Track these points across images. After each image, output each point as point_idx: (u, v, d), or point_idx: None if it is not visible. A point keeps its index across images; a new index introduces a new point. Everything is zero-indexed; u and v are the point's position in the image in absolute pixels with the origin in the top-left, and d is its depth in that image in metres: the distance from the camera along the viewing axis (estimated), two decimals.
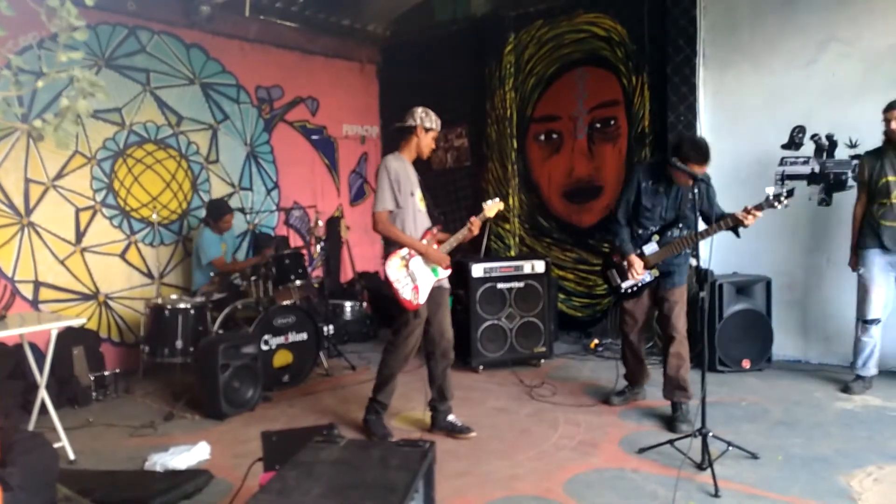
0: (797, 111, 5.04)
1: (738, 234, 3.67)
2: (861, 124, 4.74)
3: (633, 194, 3.84)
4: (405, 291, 3.61)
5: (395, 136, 3.89)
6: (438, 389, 3.82)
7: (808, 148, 5.03)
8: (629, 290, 3.98)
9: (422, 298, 3.66)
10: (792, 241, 5.08)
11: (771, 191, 3.43)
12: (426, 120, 3.71)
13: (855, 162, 4.77)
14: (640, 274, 3.84)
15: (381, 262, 3.68)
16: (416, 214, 3.71)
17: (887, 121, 4.17)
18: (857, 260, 4.36)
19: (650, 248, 3.86)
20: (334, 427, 2.68)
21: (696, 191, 3.26)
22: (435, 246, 3.76)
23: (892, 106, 4.15)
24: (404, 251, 3.66)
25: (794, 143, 5.10)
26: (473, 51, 6.85)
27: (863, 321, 4.28)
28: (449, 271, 3.83)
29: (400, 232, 3.66)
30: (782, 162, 5.13)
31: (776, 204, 3.41)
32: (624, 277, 3.96)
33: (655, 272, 3.88)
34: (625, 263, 3.91)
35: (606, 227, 5.79)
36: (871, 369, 4.30)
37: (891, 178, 4.18)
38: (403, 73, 7.50)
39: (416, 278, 3.65)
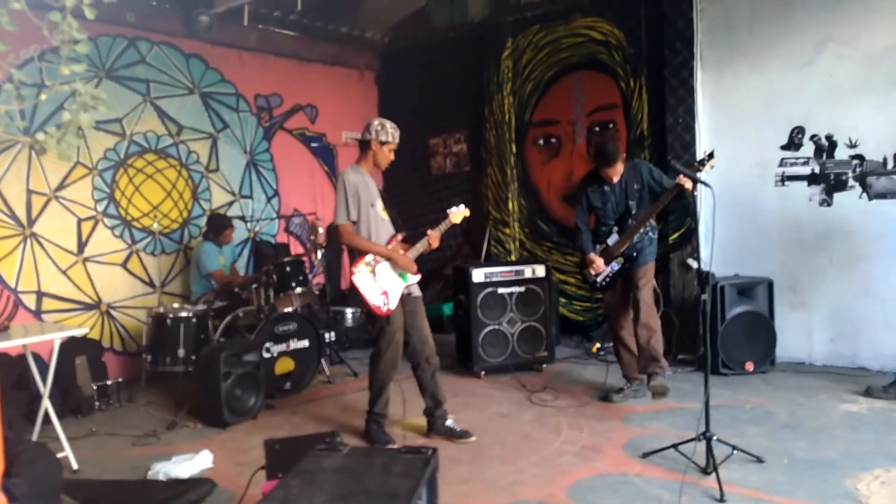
0: (796, 112, 5.04)
1: (688, 201, 3.77)
2: (861, 124, 4.75)
3: (584, 201, 4.34)
4: (373, 297, 3.62)
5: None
6: (431, 396, 3.81)
7: (808, 149, 5.02)
8: (604, 282, 4.28)
9: (392, 304, 3.66)
10: (793, 243, 5.07)
11: (696, 158, 3.70)
12: (381, 133, 3.68)
13: (855, 162, 4.77)
14: (599, 269, 4.21)
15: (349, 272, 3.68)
16: (378, 224, 3.72)
17: None
18: None
19: (613, 239, 4.22)
20: (337, 434, 2.69)
21: (695, 194, 3.33)
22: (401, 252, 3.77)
23: None
24: (369, 257, 3.66)
25: (793, 143, 5.09)
26: (471, 56, 6.87)
27: None
28: (418, 277, 3.83)
29: (365, 240, 3.67)
30: (782, 163, 5.13)
31: (701, 167, 3.74)
32: (596, 272, 4.30)
33: (621, 259, 4.18)
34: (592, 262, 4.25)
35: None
36: None
37: None
38: (402, 79, 7.52)
39: (383, 284, 3.66)
